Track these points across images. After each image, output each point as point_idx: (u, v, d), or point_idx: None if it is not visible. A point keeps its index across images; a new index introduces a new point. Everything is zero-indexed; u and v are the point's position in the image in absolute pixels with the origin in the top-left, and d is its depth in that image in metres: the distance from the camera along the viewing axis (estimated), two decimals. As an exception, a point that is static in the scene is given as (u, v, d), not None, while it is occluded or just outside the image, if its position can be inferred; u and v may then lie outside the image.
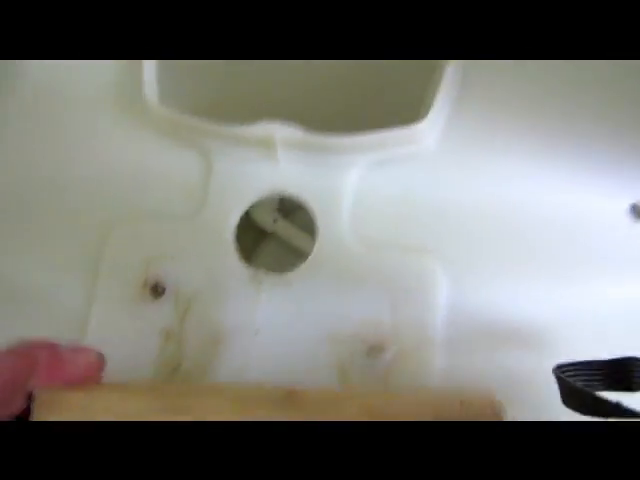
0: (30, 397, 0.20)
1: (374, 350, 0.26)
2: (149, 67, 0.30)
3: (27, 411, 0.20)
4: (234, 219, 0.28)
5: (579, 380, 0.22)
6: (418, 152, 0.28)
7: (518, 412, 0.21)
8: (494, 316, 0.26)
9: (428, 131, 0.28)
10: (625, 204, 0.27)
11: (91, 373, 0.21)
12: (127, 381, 0.22)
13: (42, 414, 0.20)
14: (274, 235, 0.39)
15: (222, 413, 0.20)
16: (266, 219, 0.38)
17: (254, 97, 0.36)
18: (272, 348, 0.26)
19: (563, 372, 0.21)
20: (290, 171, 0.28)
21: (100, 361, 0.22)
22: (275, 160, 0.28)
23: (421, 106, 0.31)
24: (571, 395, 0.21)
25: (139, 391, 0.21)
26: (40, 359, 0.20)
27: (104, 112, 0.30)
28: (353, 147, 0.27)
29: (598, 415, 0.20)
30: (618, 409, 0.19)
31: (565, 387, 0.21)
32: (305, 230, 0.37)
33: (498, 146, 0.28)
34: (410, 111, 0.30)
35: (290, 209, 0.38)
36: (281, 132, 0.27)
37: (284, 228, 0.38)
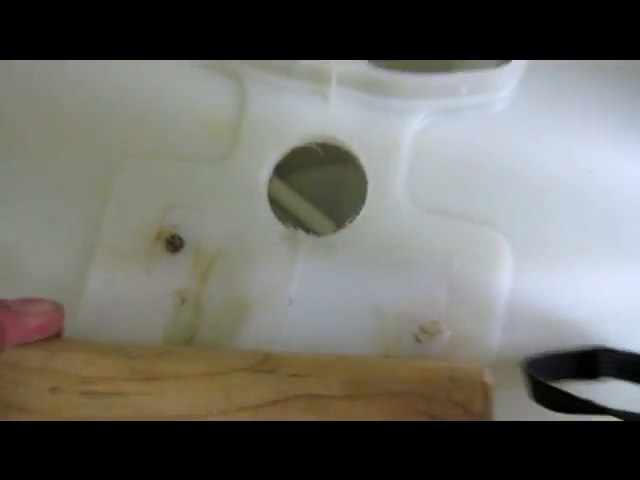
0: None
1: (425, 332, 0.22)
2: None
3: None
4: (269, 166, 0.23)
5: (548, 371, 0.21)
6: (490, 103, 0.24)
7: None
8: (557, 304, 0.23)
9: (507, 79, 0.23)
10: None
11: (49, 324, 0.19)
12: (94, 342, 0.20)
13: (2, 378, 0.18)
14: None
15: (195, 378, 0.18)
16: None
17: None
18: (307, 320, 0.22)
19: (532, 365, 0.20)
20: (342, 113, 0.23)
21: (58, 311, 0.19)
22: (325, 98, 0.23)
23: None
24: (540, 391, 0.20)
25: (106, 353, 0.19)
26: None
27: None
28: (420, 89, 0.23)
29: (568, 412, 0.19)
30: (588, 406, 0.18)
31: (533, 383, 0.20)
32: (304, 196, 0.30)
33: (579, 109, 0.24)
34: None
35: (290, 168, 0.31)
36: (340, 64, 0.22)
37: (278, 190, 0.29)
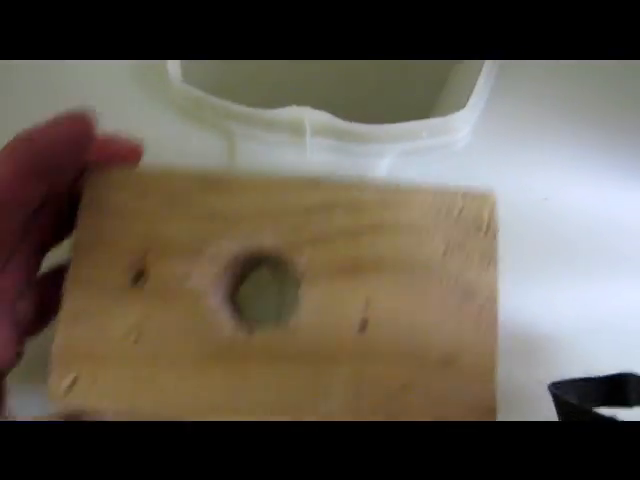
0: (83, 173, 0.22)
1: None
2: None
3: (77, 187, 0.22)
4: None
5: (574, 397, 0.21)
6: (451, 144, 0.27)
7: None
8: (524, 322, 0.26)
9: (465, 121, 0.26)
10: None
11: (133, 155, 0.23)
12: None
13: (93, 188, 0.22)
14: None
15: (257, 190, 0.22)
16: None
17: (279, 83, 0.34)
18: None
19: (558, 389, 0.21)
20: (318, 160, 0.26)
21: (140, 147, 0.23)
22: (303, 147, 0.27)
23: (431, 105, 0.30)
24: (568, 413, 0.20)
25: (183, 172, 0.23)
26: (92, 131, 0.21)
27: (124, 88, 0.29)
28: (386, 136, 0.26)
29: None
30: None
31: (562, 404, 0.20)
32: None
33: (534, 142, 0.27)
34: (419, 109, 0.29)
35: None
36: (312, 117, 0.26)
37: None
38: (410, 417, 0.20)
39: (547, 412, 0.21)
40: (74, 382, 0.21)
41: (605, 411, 0.19)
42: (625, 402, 0.22)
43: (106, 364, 0.21)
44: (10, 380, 0.23)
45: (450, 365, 0.20)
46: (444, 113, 0.27)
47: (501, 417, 0.25)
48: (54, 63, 0.29)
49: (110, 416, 0.21)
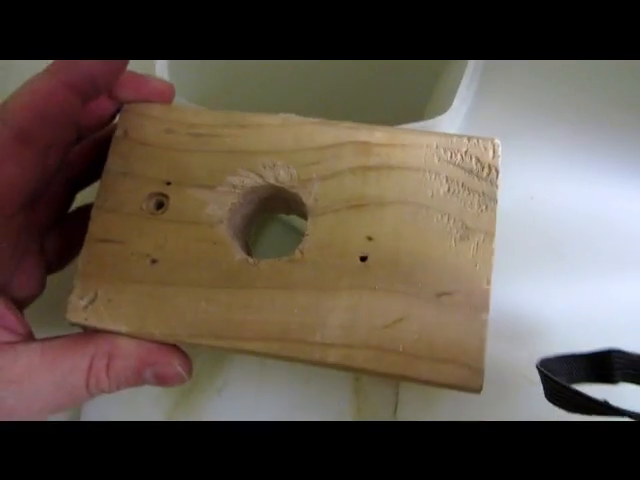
0: (117, 104, 0.24)
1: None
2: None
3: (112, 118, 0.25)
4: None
5: (562, 373, 0.22)
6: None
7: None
8: (504, 318, 0.27)
9: (450, 123, 0.28)
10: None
11: (165, 94, 0.25)
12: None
13: (126, 120, 0.24)
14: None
15: (273, 127, 0.24)
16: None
17: (265, 94, 0.36)
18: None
19: (546, 367, 0.21)
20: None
21: (172, 86, 0.25)
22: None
23: (424, 108, 0.32)
24: (555, 391, 0.21)
25: (211, 111, 0.25)
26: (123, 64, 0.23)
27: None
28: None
29: (582, 412, 0.20)
30: (603, 407, 0.19)
31: (549, 383, 0.21)
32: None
33: (518, 142, 0.29)
34: (412, 112, 0.31)
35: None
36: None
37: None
38: (402, 349, 0.21)
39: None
40: (92, 301, 0.22)
41: (593, 391, 0.20)
42: (610, 379, 0.22)
43: (123, 285, 0.23)
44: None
45: (444, 300, 0.21)
46: (432, 115, 0.29)
47: (491, 406, 0.25)
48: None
49: (124, 337, 0.22)
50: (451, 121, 0.28)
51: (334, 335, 0.21)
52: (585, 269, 0.28)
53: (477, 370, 0.21)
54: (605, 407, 0.19)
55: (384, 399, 0.28)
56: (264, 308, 0.22)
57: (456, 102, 0.27)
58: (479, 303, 0.21)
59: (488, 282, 0.21)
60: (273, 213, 0.26)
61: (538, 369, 0.21)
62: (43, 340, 0.22)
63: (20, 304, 0.23)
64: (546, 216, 0.29)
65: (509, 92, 0.31)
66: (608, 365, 0.22)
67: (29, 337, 0.22)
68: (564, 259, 0.28)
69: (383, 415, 0.28)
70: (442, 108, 0.29)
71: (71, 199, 0.27)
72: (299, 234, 0.31)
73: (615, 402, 0.19)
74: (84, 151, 0.26)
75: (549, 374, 0.21)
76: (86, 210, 0.25)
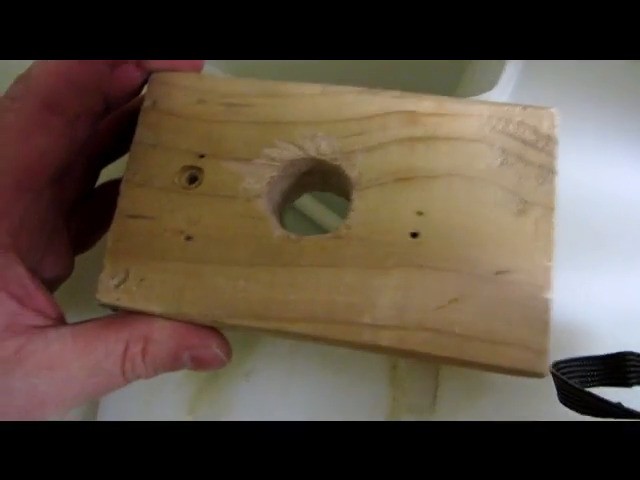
0: (145, 73, 0.23)
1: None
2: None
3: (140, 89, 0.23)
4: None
5: (576, 376, 0.21)
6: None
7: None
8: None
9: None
10: None
11: (195, 62, 0.23)
12: None
13: (155, 90, 0.23)
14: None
15: (312, 96, 0.22)
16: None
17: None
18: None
19: (560, 369, 0.21)
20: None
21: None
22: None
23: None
24: (569, 394, 0.20)
25: (244, 79, 0.23)
26: None
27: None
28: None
29: (597, 415, 0.19)
30: (618, 409, 0.19)
31: (562, 385, 0.20)
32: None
33: (564, 124, 0.28)
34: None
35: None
36: None
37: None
38: (459, 331, 0.20)
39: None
40: (123, 280, 0.21)
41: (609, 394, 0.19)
42: (625, 382, 0.21)
43: (156, 263, 0.21)
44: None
45: (503, 279, 0.20)
46: (470, 93, 0.28)
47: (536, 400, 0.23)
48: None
49: (159, 319, 0.20)
50: (496, 99, 0.27)
51: (385, 316, 0.20)
52: (631, 262, 0.27)
53: (541, 352, 0.19)
54: (619, 410, 0.19)
55: (423, 389, 0.27)
56: (308, 287, 0.20)
57: (503, 79, 0.26)
58: (541, 281, 0.20)
59: (550, 259, 0.20)
60: (308, 189, 0.25)
61: (551, 372, 0.20)
62: (75, 324, 0.20)
63: (50, 285, 0.22)
64: (592, 203, 0.27)
65: (556, 69, 0.30)
66: (623, 368, 0.21)
67: (60, 321, 0.21)
68: (608, 251, 0.27)
69: (421, 406, 0.26)
70: (482, 86, 0.27)
71: (97, 175, 0.25)
72: (310, 222, 0.29)
73: (629, 405, 0.19)
74: (111, 124, 0.24)
75: (562, 377, 0.20)
76: (112, 186, 0.23)
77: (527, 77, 0.29)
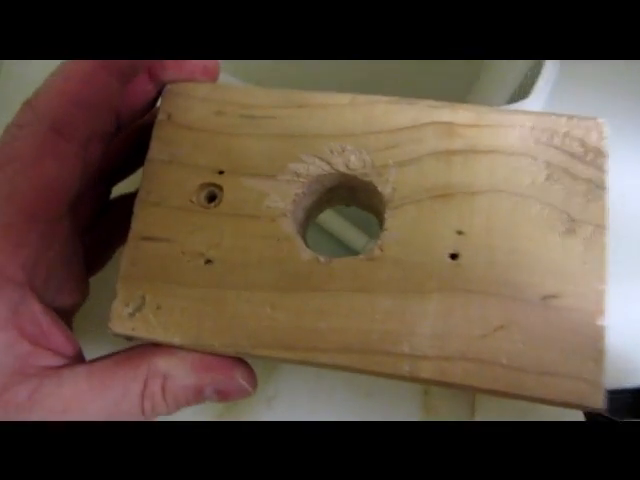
0: (158, 85, 0.22)
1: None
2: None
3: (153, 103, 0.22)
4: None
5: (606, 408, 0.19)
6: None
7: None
8: None
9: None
10: None
11: (209, 71, 0.22)
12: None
13: (170, 102, 0.21)
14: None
15: (341, 107, 0.21)
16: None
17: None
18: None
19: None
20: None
21: (216, 65, 0.22)
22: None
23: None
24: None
25: (265, 89, 0.22)
26: None
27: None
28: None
29: None
30: None
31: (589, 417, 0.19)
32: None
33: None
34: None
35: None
36: None
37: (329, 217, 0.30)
38: (505, 361, 0.18)
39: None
40: (139, 308, 0.19)
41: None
42: None
43: (174, 289, 0.20)
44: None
45: (551, 304, 0.18)
46: (487, 99, 0.26)
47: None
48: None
49: (179, 350, 0.19)
50: (532, 108, 0.25)
51: (425, 345, 0.18)
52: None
53: (596, 384, 0.18)
54: None
55: (458, 417, 0.25)
56: (340, 314, 0.19)
57: (538, 87, 0.24)
58: (593, 306, 0.18)
59: (602, 281, 0.18)
60: (332, 205, 0.23)
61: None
62: (90, 363, 0.19)
63: (67, 314, 0.21)
64: (637, 214, 0.25)
65: (591, 76, 0.28)
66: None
67: (78, 358, 0.20)
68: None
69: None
70: (499, 92, 0.26)
71: (109, 193, 0.24)
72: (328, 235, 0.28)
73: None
74: (123, 141, 0.23)
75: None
76: (124, 201, 0.22)
77: (561, 85, 0.27)
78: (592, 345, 0.18)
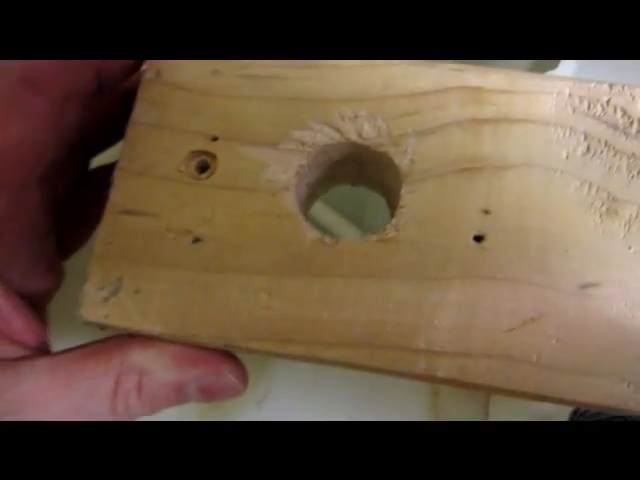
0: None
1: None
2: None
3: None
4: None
5: None
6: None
7: None
8: None
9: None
10: None
11: None
12: None
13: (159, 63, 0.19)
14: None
15: (355, 68, 0.18)
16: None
17: None
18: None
19: None
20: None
21: None
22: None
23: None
24: None
25: None
26: None
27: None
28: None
29: None
30: None
31: None
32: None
33: None
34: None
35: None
36: None
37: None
38: (537, 358, 0.16)
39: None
40: (114, 292, 0.17)
41: None
42: None
43: (155, 271, 0.17)
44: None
45: (590, 293, 0.16)
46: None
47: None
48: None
49: (160, 342, 0.16)
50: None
51: (444, 340, 0.16)
52: None
53: (636, 399, 0.15)
54: None
55: (469, 419, 0.23)
56: (348, 303, 0.16)
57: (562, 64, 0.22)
58: (637, 296, 0.16)
59: None
60: (338, 182, 0.21)
61: None
62: (55, 355, 0.16)
63: (39, 301, 0.18)
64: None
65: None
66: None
67: (41, 349, 0.17)
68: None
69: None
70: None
71: (87, 166, 0.21)
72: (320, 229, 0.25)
73: None
74: (105, 106, 0.20)
75: None
76: (103, 174, 0.19)
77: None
78: (636, 341, 0.16)
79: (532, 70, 0.23)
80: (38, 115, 0.17)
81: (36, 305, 0.18)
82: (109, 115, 0.20)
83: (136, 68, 0.20)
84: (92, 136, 0.21)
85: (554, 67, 0.22)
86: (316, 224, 0.26)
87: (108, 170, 0.19)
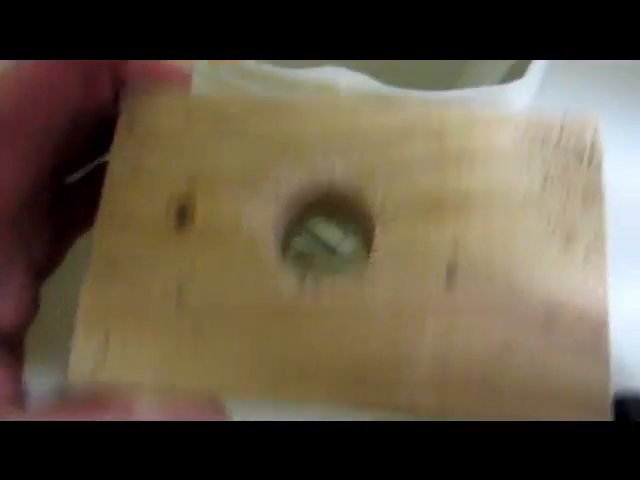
0: (119, 85, 0.19)
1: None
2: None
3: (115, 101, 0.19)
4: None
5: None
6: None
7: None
8: None
9: (521, 94, 0.24)
10: None
11: (181, 77, 0.20)
12: None
13: (132, 109, 0.19)
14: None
15: (323, 112, 0.19)
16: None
17: None
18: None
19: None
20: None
21: (190, 72, 0.20)
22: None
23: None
24: None
25: (237, 97, 0.20)
26: None
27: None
28: (432, 104, 0.24)
29: None
30: None
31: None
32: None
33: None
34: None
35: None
36: (347, 79, 0.22)
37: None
38: (512, 385, 0.17)
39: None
40: (102, 347, 0.17)
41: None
42: None
43: (140, 326, 0.17)
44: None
45: (555, 321, 0.17)
46: (480, 78, 0.25)
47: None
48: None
49: (145, 400, 0.17)
50: (525, 90, 0.24)
51: (423, 372, 0.17)
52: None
53: (601, 410, 0.17)
54: None
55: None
56: (331, 343, 0.17)
57: (532, 68, 0.23)
58: (597, 323, 0.17)
59: (605, 294, 0.17)
60: (311, 218, 0.22)
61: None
62: (25, 415, 0.16)
63: (11, 339, 0.18)
64: (623, 204, 0.24)
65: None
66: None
67: (12, 402, 0.17)
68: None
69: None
70: (491, 75, 0.24)
71: (62, 194, 0.21)
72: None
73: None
74: (79, 137, 0.20)
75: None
76: (79, 186, 0.20)
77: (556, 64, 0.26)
78: (597, 366, 0.17)
79: (504, 78, 0.24)
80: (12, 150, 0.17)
81: (7, 343, 0.18)
82: (79, 148, 0.20)
83: (112, 109, 0.19)
84: (65, 164, 0.20)
85: (520, 75, 0.23)
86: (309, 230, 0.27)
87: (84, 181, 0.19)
